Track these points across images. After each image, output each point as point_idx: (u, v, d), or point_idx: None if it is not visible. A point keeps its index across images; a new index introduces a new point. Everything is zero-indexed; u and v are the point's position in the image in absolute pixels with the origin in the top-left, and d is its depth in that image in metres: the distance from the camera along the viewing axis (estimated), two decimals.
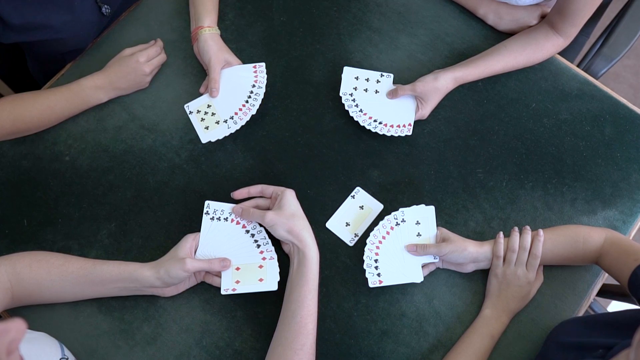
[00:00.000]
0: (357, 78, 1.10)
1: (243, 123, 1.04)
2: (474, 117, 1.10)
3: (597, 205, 1.03)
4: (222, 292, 0.91)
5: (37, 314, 0.92)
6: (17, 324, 0.50)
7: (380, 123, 1.05)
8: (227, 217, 0.97)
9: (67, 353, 0.84)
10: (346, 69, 1.10)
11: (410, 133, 1.05)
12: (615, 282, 0.95)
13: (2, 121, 0.99)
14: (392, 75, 1.10)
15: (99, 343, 0.92)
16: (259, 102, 1.05)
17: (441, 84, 1.05)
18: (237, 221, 0.96)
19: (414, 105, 1.07)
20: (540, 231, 0.94)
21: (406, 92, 1.06)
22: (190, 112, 1.07)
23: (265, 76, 1.08)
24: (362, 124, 1.05)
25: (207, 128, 1.05)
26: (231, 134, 1.04)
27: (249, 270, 0.93)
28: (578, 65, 1.20)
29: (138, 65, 1.05)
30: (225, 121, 1.04)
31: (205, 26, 1.08)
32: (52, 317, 0.93)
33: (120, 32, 1.16)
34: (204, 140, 1.04)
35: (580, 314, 0.97)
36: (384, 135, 1.04)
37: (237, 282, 0.92)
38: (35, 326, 0.91)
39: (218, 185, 1.03)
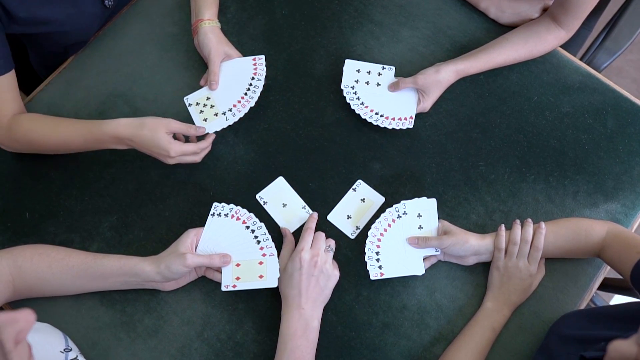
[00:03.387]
0: (358, 71, 1.09)
1: (241, 115, 1.04)
2: (475, 110, 1.10)
3: (599, 198, 1.03)
4: (223, 288, 0.91)
5: (39, 306, 0.92)
6: (25, 315, 0.50)
7: (381, 116, 1.05)
8: (227, 213, 0.97)
9: (71, 344, 0.84)
10: (348, 62, 1.10)
11: (411, 126, 1.04)
12: (617, 276, 0.95)
13: (19, 137, 0.99)
14: (393, 68, 1.10)
15: (101, 335, 0.92)
16: (258, 94, 1.05)
17: (443, 76, 1.04)
18: (237, 217, 0.96)
19: (416, 98, 1.07)
20: (542, 224, 0.94)
21: (408, 84, 1.05)
22: (190, 105, 1.07)
23: (265, 68, 1.08)
24: (363, 116, 1.05)
25: (205, 120, 1.04)
26: (231, 126, 1.03)
27: (249, 267, 0.93)
28: (581, 59, 1.20)
29: (164, 155, 0.95)
30: (224, 113, 1.04)
31: (205, 19, 1.08)
32: (54, 309, 0.93)
33: (122, 25, 1.16)
34: None
35: (582, 307, 0.97)
36: (385, 128, 1.04)
37: (237, 278, 0.92)
38: (36, 318, 0.91)
39: (220, 178, 1.04)
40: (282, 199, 1.02)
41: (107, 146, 0.98)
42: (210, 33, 1.07)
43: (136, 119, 0.95)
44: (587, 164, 1.05)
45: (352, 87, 1.08)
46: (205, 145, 0.99)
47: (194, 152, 0.97)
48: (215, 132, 1.03)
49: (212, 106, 1.05)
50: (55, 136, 0.98)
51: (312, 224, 0.96)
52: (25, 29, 1.00)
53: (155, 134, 0.93)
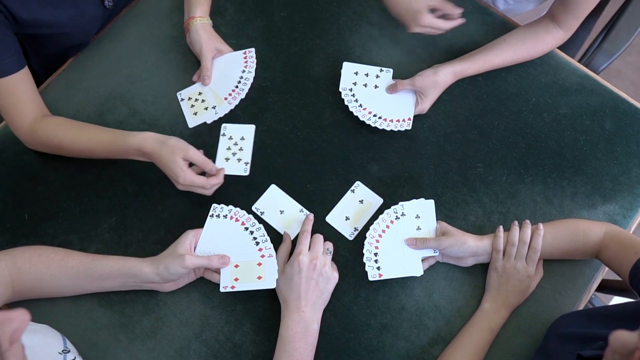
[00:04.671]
0: (356, 73, 1.10)
1: (232, 107, 1.05)
2: (473, 112, 1.10)
3: (597, 199, 1.03)
4: (221, 289, 0.91)
5: (37, 307, 0.92)
6: (20, 314, 0.50)
7: (379, 118, 1.05)
8: (226, 215, 0.97)
9: (69, 345, 0.84)
10: (346, 64, 1.10)
11: (409, 127, 1.05)
12: (615, 277, 0.95)
13: (43, 140, 1.01)
14: (391, 70, 1.10)
15: (99, 336, 0.92)
16: (249, 86, 1.07)
17: (440, 78, 1.05)
18: (237, 218, 0.97)
19: (414, 100, 1.07)
20: (540, 225, 0.94)
21: (405, 86, 1.06)
22: (182, 99, 1.07)
23: (255, 61, 1.09)
24: (361, 118, 1.05)
25: (195, 114, 1.06)
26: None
27: (247, 268, 0.93)
28: (579, 61, 1.20)
29: (174, 179, 0.95)
30: (214, 107, 1.05)
31: (196, 16, 1.09)
32: (53, 311, 0.93)
33: (121, 27, 1.17)
34: (190, 125, 1.06)
35: (581, 308, 0.97)
36: (383, 129, 1.04)
37: (236, 279, 0.92)
38: (35, 319, 0.91)
39: None
40: (278, 206, 1.02)
41: (129, 157, 0.98)
42: (201, 30, 1.08)
43: (161, 135, 0.95)
44: (585, 165, 1.06)
45: (350, 89, 1.08)
46: (216, 182, 0.97)
47: (203, 186, 0.95)
48: (207, 124, 1.05)
49: (203, 100, 1.06)
50: (79, 143, 0.99)
51: (309, 227, 0.96)
52: (27, 31, 1.01)
53: (172, 157, 0.92)
